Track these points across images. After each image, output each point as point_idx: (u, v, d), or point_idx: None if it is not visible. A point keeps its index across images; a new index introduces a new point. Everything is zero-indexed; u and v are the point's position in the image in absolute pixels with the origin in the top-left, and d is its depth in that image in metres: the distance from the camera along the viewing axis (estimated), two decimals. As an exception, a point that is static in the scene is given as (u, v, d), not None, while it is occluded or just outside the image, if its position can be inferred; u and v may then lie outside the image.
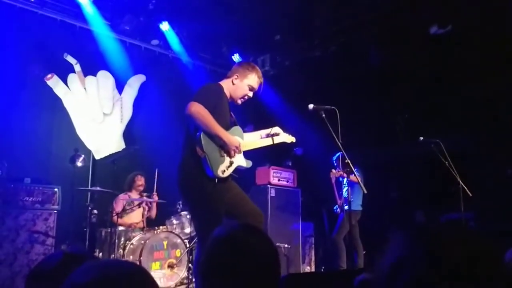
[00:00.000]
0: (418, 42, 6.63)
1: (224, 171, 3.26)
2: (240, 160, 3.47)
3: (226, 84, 3.60)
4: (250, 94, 3.66)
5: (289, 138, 4.02)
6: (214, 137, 3.21)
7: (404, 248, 0.85)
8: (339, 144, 3.79)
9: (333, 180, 6.51)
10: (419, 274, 0.78)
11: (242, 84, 3.61)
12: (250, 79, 3.62)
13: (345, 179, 6.19)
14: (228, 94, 3.58)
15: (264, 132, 3.99)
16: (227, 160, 3.30)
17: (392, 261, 0.84)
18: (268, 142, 3.86)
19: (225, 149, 3.26)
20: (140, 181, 6.24)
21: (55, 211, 5.01)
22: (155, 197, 6.07)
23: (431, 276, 0.77)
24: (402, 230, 0.92)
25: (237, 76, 3.60)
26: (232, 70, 3.68)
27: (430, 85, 6.72)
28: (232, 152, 3.28)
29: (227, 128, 3.43)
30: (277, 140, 3.93)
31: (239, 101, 3.66)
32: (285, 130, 4.22)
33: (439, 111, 6.66)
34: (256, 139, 3.84)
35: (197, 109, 3.15)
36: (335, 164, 6.40)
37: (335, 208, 6.69)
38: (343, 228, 6.37)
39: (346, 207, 6.32)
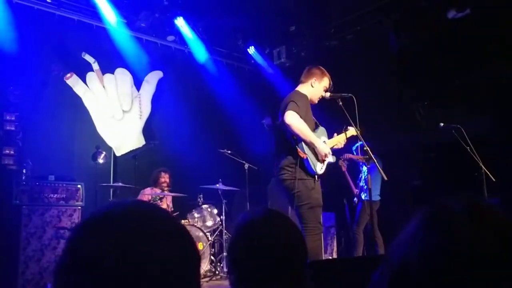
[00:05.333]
0: (436, 27, 6.52)
1: (322, 168, 3.85)
2: (329, 158, 3.94)
3: (306, 88, 4.02)
4: (324, 94, 4.08)
5: (355, 131, 4.07)
6: (308, 144, 3.73)
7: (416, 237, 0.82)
8: (357, 132, 3.78)
9: (344, 169, 6.44)
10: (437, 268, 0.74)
11: (320, 86, 4.04)
12: (325, 81, 4.08)
13: (365, 167, 6.15)
14: (309, 97, 4.00)
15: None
16: None
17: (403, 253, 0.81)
18: (342, 137, 4.22)
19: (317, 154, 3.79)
20: (164, 178, 6.26)
21: (79, 207, 5.11)
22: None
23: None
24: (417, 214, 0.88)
25: (315, 79, 4.03)
26: (306, 75, 4.07)
27: (449, 70, 6.60)
28: (321, 158, 3.79)
29: (313, 129, 3.90)
30: (348, 133, 4.21)
31: (316, 101, 4.12)
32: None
33: (459, 96, 6.55)
34: (334, 137, 4.28)
35: (294, 120, 3.64)
36: (355, 153, 6.35)
37: (354, 200, 6.62)
38: (362, 219, 6.31)
39: (363, 196, 6.27)
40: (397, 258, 0.79)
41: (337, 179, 6.92)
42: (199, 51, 7.72)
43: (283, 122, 3.68)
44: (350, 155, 6.27)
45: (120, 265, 0.70)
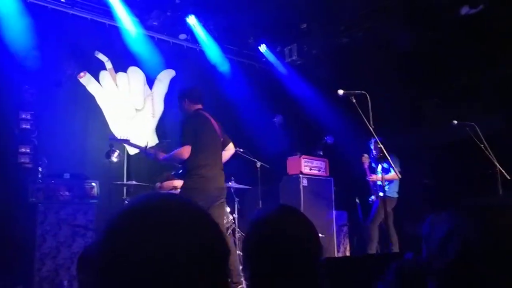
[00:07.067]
0: (448, 23, 6.47)
1: None
2: None
3: None
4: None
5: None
6: None
7: (451, 221, 0.86)
8: (371, 129, 3.77)
9: (366, 165, 6.39)
10: (468, 241, 0.79)
11: None
12: None
13: (379, 166, 6.10)
14: None
15: None
16: None
17: (441, 235, 0.85)
18: None
19: None
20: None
21: (94, 205, 5.16)
22: None
23: (479, 243, 0.78)
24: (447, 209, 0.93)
25: None
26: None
27: (462, 67, 6.56)
28: None
29: None
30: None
31: None
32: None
33: (471, 93, 6.50)
34: None
35: None
36: (372, 148, 6.27)
37: (370, 199, 6.53)
38: (378, 216, 6.27)
39: (381, 194, 6.23)
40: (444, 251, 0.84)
41: (350, 178, 6.92)
42: (211, 50, 7.73)
43: (231, 150, 4.73)
44: (367, 160, 6.22)
45: (151, 256, 0.72)
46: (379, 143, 3.84)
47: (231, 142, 4.71)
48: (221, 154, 4.53)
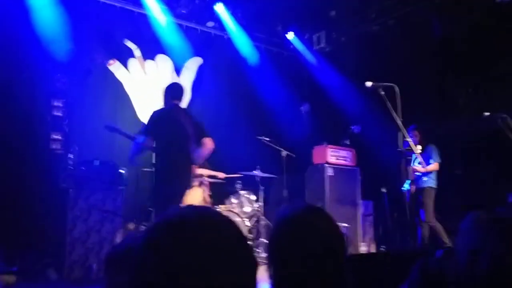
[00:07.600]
0: (481, 11, 6.26)
1: None
2: None
3: None
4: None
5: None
6: None
7: (480, 235, 0.86)
8: (400, 123, 3.71)
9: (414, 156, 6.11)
10: (498, 257, 0.78)
11: None
12: None
13: (416, 158, 5.90)
14: None
15: None
16: None
17: (470, 248, 0.85)
18: None
19: None
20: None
21: (123, 191, 5.27)
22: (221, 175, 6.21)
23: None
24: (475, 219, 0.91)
25: None
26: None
27: (493, 56, 6.35)
28: None
29: None
30: None
31: None
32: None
33: (503, 83, 6.30)
34: None
35: None
36: (410, 135, 5.88)
37: (403, 188, 6.23)
38: (428, 208, 6.01)
39: (424, 185, 6.01)
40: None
41: (376, 168, 6.84)
42: (239, 37, 7.71)
43: (207, 145, 4.52)
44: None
45: (181, 271, 0.75)
46: (407, 136, 3.78)
47: (208, 138, 4.58)
48: (188, 148, 4.49)
